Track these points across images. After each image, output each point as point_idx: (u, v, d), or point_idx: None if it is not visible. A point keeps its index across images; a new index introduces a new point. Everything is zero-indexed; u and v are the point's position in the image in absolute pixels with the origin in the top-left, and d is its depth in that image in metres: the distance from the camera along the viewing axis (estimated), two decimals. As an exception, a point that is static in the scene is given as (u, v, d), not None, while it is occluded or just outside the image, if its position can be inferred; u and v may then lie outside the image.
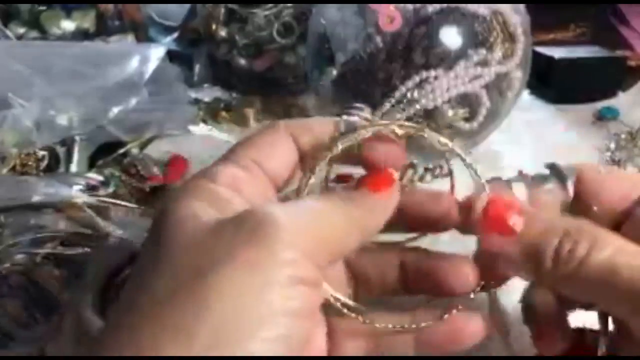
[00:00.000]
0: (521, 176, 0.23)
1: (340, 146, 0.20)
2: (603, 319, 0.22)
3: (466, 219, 0.21)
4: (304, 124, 0.22)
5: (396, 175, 0.21)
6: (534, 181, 0.22)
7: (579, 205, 0.23)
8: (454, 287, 0.21)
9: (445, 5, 0.43)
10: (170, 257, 0.17)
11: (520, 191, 0.22)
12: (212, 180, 0.19)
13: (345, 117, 0.21)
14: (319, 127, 0.21)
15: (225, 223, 0.17)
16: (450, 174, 0.23)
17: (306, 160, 0.21)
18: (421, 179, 0.22)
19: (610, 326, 0.22)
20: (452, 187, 0.24)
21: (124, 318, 0.16)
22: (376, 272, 0.23)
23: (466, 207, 0.22)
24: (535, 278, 0.20)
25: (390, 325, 0.21)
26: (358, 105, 0.22)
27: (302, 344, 0.17)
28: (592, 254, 0.18)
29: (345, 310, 0.20)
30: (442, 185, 0.24)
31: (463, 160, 0.22)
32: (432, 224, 0.22)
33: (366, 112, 0.22)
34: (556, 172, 0.23)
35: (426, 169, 0.22)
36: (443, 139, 0.22)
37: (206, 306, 0.15)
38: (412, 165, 0.22)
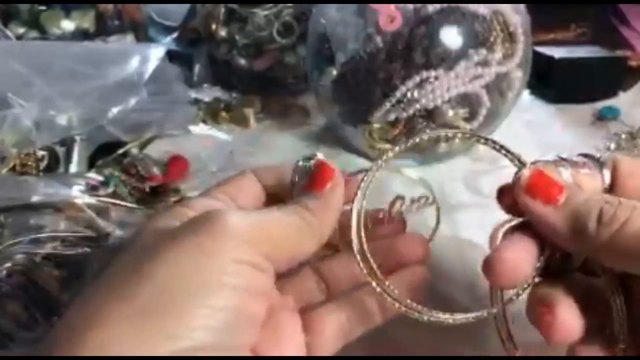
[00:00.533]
0: (562, 160, 0.23)
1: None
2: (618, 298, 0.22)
3: (512, 197, 0.22)
4: (267, 170, 0.25)
5: (336, 167, 0.23)
6: (574, 166, 0.23)
7: (614, 193, 0.23)
8: (407, 256, 0.25)
9: (445, 5, 0.43)
10: (131, 250, 0.20)
11: (564, 172, 0.22)
12: (187, 206, 0.22)
13: (300, 162, 0.24)
14: (280, 171, 0.25)
15: (183, 223, 0.20)
16: (434, 203, 0.26)
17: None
18: (407, 210, 0.25)
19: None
20: (437, 223, 0.27)
21: (80, 298, 0.19)
22: (345, 272, 0.25)
23: (513, 185, 0.22)
24: (577, 244, 0.21)
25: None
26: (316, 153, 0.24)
27: (254, 322, 0.19)
28: (633, 218, 0.19)
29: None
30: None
31: (498, 148, 0.24)
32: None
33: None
34: (593, 160, 0.23)
35: (412, 201, 0.25)
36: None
37: (149, 275, 0.18)
38: (399, 197, 0.25)
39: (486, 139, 0.24)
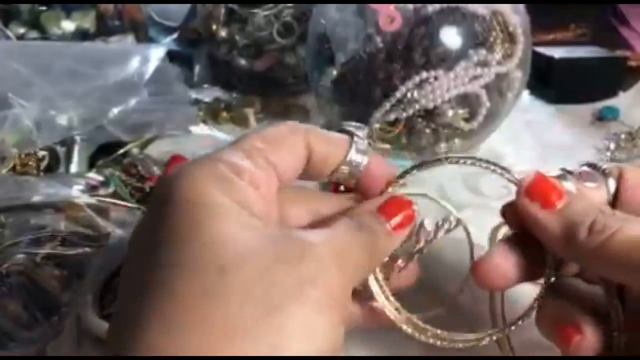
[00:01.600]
0: (565, 173, 0.23)
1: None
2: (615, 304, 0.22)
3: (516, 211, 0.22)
4: (322, 135, 0.22)
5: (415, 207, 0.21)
6: (579, 178, 0.23)
7: (619, 203, 0.23)
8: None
9: (445, 5, 0.43)
10: (204, 265, 0.16)
11: (566, 184, 0.23)
12: (226, 168, 0.19)
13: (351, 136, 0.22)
14: (335, 141, 0.22)
15: (268, 248, 0.17)
16: (459, 223, 0.24)
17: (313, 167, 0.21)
18: (433, 238, 0.23)
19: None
20: (471, 248, 0.24)
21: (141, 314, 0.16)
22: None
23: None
24: (567, 251, 0.21)
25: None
26: (356, 124, 0.23)
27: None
28: (624, 228, 0.20)
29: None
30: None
31: (493, 167, 0.24)
32: None
33: (363, 131, 0.22)
34: (598, 170, 0.24)
35: (437, 226, 0.23)
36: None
37: (281, 346, 0.16)
38: (422, 225, 0.22)
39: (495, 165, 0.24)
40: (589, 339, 0.21)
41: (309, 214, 0.22)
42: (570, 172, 0.24)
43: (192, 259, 0.16)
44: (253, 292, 0.16)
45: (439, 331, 0.22)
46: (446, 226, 0.23)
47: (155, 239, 0.17)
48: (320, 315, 0.17)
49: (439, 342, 0.22)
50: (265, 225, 0.18)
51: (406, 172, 0.23)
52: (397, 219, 0.21)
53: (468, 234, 0.24)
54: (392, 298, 0.22)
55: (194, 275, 0.16)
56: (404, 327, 0.22)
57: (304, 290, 0.16)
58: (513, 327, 0.23)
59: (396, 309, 0.22)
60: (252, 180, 0.19)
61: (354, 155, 0.21)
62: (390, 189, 0.22)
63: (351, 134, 0.22)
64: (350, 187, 0.23)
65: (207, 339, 0.15)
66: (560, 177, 0.23)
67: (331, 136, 0.22)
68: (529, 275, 0.22)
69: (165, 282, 0.16)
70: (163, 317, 0.15)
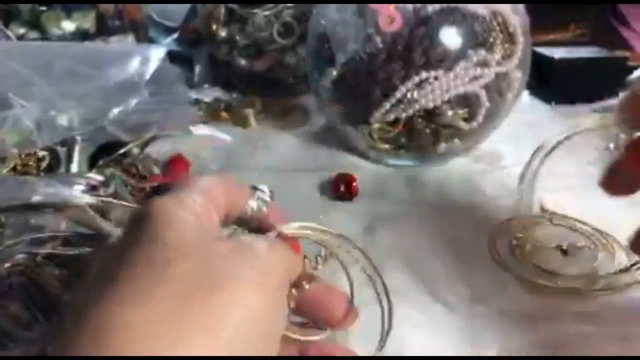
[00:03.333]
0: None
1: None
2: None
3: None
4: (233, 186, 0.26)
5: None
6: None
7: None
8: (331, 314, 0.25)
9: (445, 5, 0.43)
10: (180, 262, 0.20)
11: None
12: (183, 201, 0.23)
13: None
14: (241, 191, 0.26)
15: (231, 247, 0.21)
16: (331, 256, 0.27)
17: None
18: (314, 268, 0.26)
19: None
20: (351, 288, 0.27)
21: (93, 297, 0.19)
22: None
23: None
24: None
25: None
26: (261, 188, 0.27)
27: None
28: None
29: None
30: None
31: None
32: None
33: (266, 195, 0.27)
34: None
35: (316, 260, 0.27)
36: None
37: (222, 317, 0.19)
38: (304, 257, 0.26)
39: None
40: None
41: None
42: None
43: (146, 254, 0.20)
44: (194, 276, 0.19)
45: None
46: (320, 260, 0.26)
47: (126, 241, 0.21)
48: (258, 294, 0.20)
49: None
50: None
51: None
52: None
53: (343, 265, 0.27)
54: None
55: (146, 263, 0.20)
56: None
57: (243, 273, 0.20)
58: None
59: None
60: (204, 209, 0.23)
61: (254, 202, 0.26)
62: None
63: (255, 188, 0.27)
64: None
65: (153, 311, 0.18)
66: None
67: (238, 186, 0.26)
68: None
69: (122, 271, 0.20)
70: (116, 294, 0.19)
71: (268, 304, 0.20)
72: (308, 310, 0.25)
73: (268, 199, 0.27)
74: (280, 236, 0.25)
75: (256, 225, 0.26)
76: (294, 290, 0.24)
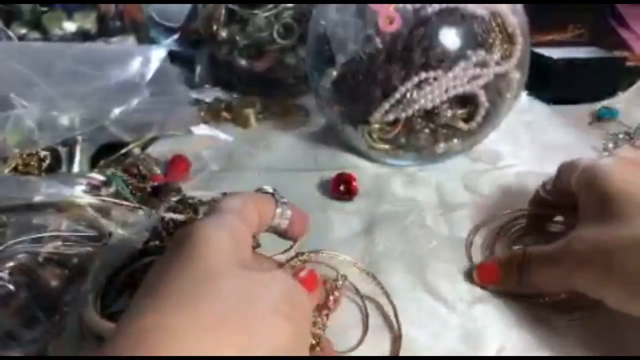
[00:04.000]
0: None
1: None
2: None
3: None
4: (259, 199, 0.29)
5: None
6: None
7: None
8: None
9: (444, 6, 0.43)
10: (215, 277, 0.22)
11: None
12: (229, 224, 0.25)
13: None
14: (267, 201, 0.29)
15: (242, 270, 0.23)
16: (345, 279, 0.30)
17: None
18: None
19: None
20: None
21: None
22: None
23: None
24: None
25: None
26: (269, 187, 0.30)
27: None
28: None
29: None
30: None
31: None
32: None
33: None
34: None
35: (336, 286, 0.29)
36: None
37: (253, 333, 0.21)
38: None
39: None
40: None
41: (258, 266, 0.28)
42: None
43: (190, 271, 0.22)
44: (233, 296, 0.21)
45: None
46: (335, 285, 0.29)
47: (170, 258, 0.23)
48: (290, 327, 0.21)
49: None
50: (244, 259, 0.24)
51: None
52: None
53: (356, 289, 0.33)
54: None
55: (189, 279, 0.21)
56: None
57: (279, 306, 0.22)
58: None
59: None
60: (239, 230, 0.25)
61: (279, 208, 0.28)
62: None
63: (272, 194, 0.29)
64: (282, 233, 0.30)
65: (195, 320, 0.19)
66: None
67: (264, 197, 0.29)
68: None
69: (166, 284, 0.21)
70: (158, 305, 0.20)
71: (296, 333, 0.22)
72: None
73: (286, 200, 0.29)
74: (309, 274, 0.27)
75: (284, 229, 0.29)
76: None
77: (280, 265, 0.29)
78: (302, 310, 0.23)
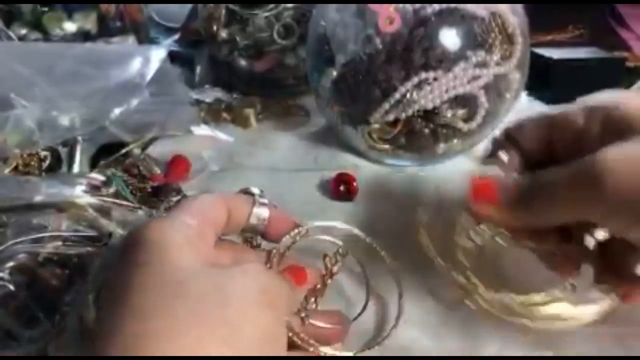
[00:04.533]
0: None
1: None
2: None
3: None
4: (234, 198, 0.28)
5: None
6: None
7: None
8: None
9: (444, 6, 0.43)
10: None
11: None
12: (185, 224, 0.25)
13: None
14: (242, 201, 0.28)
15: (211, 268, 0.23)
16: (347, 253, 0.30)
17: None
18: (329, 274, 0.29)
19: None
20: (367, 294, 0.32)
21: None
22: None
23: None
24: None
25: None
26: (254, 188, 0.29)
27: None
28: None
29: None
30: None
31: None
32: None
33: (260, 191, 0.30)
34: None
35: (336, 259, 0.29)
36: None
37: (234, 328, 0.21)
38: (325, 255, 0.29)
39: None
40: None
41: (234, 261, 0.27)
42: None
43: (157, 275, 0.21)
44: (206, 293, 0.21)
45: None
46: (335, 260, 0.29)
47: (130, 263, 0.22)
48: (268, 312, 0.22)
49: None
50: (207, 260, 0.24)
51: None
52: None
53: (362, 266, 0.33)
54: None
55: (159, 283, 0.21)
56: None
57: (254, 295, 0.22)
58: None
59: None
60: (196, 231, 0.24)
61: (257, 209, 0.28)
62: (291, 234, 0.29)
63: (252, 194, 0.29)
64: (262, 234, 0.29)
65: (174, 322, 0.20)
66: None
67: (240, 197, 0.28)
68: None
69: (135, 292, 0.21)
70: (139, 311, 0.20)
71: (279, 317, 0.23)
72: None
73: (267, 201, 0.29)
74: (291, 268, 0.27)
75: (263, 230, 0.28)
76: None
77: (268, 255, 0.28)
78: (282, 297, 0.24)
